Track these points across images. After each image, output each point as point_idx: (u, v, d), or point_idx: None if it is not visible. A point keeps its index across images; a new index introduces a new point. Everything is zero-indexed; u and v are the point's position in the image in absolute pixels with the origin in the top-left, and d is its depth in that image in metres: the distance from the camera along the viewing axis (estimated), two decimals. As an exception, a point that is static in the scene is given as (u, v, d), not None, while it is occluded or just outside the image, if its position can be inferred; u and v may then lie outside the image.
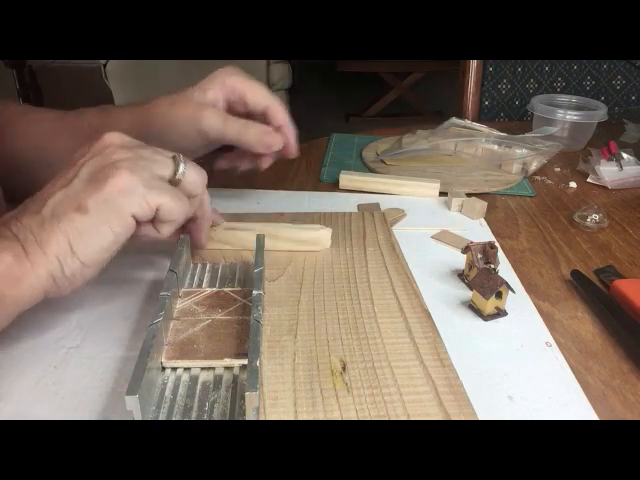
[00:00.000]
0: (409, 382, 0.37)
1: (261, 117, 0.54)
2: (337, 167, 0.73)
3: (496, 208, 0.65)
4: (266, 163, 0.57)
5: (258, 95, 0.53)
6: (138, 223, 0.39)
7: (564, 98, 0.90)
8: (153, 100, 0.53)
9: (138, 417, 0.30)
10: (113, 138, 0.39)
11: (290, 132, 0.55)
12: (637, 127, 0.88)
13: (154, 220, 0.40)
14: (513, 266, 0.52)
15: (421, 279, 0.48)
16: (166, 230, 0.41)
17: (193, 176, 0.42)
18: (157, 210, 0.39)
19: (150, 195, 0.38)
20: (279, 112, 0.54)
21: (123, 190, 0.37)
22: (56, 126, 0.56)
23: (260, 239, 0.47)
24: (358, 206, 0.63)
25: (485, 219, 0.61)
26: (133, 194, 0.37)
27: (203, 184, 0.43)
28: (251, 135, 0.52)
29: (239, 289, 0.44)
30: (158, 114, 0.52)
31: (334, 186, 0.69)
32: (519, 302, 0.46)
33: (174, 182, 0.41)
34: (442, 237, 0.56)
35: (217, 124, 0.51)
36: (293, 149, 0.56)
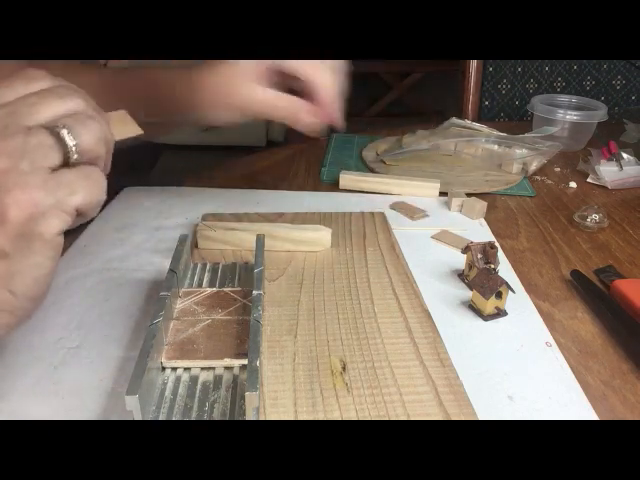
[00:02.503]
0: (409, 382, 0.37)
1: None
2: (337, 167, 0.73)
3: (496, 208, 0.65)
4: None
5: (299, 67, 0.50)
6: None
7: (564, 98, 0.90)
8: (195, 67, 0.51)
9: (138, 417, 0.30)
10: None
11: (329, 110, 0.51)
12: (637, 127, 0.88)
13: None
14: (513, 266, 0.52)
15: (421, 279, 0.48)
16: (94, 212, 0.34)
17: (87, 141, 0.32)
18: (78, 208, 0.32)
19: (63, 202, 0.31)
20: (320, 87, 0.50)
21: (31, 216, 0.30)
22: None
23: (260, 239, 0.47)
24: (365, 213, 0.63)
25: (485, 219, 0.61)
26: (46, 214, 0.30)
27: (102, 137, 0.33)
28: (281, 110, 0.49)
29: (239, 289, 0.44)
30: (202, 84, 0.50)
31: (334, 186, 0.69)
32: (519, 302, 0.46)
33: (72, 163, 0.32)
34: (442, 237, 0.56)
35: (248, 94, 0.49)
36: (338, 124, 0.52)
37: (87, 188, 0.32)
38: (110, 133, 0.36)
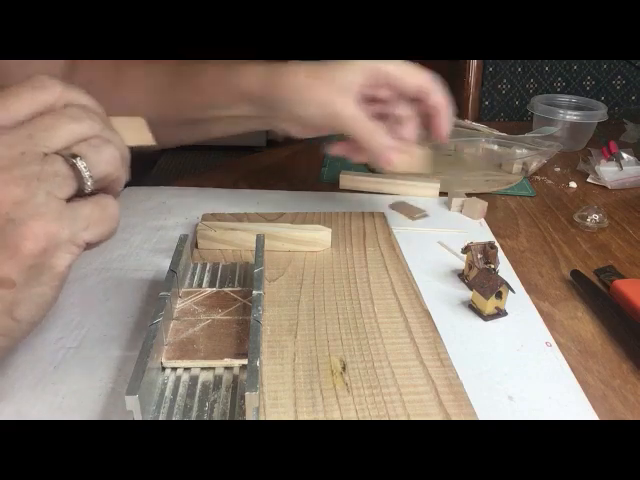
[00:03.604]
0: (409, 382, 0.37)
1: (413, 99, 0.50)
2: (337, 167, 0.73)
3: (496, 208, 0.65)
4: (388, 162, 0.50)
5: (407, 74, 0.48)
6: None
7: (564, 98, 0.90)
8: (288, 66, 0.49)
9: (138, 417, 0.30)
10: None
11: (444, 116, 0.50)
12: (637, 127, 0.88)
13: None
14: (513, 266, 0.52)
15: (421, 279, 0.48)
16: (106, 240, 0.34)
17: (102, 169, 0.32)
18: (89, 242, 0.32)
19: (76, 236, 0.31)
20: (434, 92, 0.49)
21: (44, 250, 0.29)
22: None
23: (260, 239, 0.47)
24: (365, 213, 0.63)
25: (485, 219, 0.61)
26: (59, 247, 0.30)
27: (116, 163, 0.33)
28: (375, 144, 0.48)
29: (239, 289, 0.44)
30: (292, 85, 0.48)
31: (334, 186, 0.69)
32: (519, 302, 0.46)
33: (85, 192, 0.32)
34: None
35: (348, 118, 0.47)
36: (443, 134, 0.50)
37: (101, 222, 0.32)
38: (126, 149, 0.35)
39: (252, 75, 0.49)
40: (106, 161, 0.32)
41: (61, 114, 0.31)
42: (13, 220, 0.28)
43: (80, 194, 0.31)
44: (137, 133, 0.39)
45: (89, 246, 0.33)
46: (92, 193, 0.33)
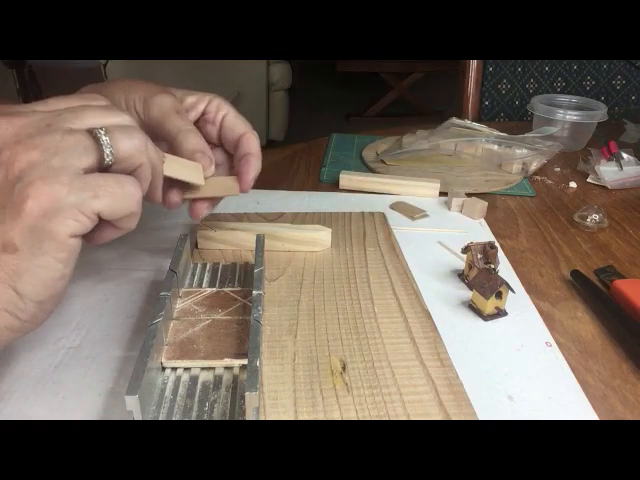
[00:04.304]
0: (409, 382, 0.37)
1: (230, 146, 0.46)
2: (337, 167, 0.73)
3: (496, 208, 0.65)
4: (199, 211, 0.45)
5: (239, 120, 0.46)
6: (87, 234, 0.32)
7: (564, 98, 0.90)
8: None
9: (138, 417, 0.30)
10: (1, 132, 0.30)
11: (254, 166, 0.45)
12: (637, 127, 0.88)
13: (104, 221, 0.33)
14: (513, 266, 0.52)
15: (421, 279, 0.48)
16: (128, 224, 0.34)
17: (126, 147, 0.32)
18: (99, 214, 0.31)
19: (83, 204, 0.30)
20: (254, 140, 0.46)
21: (47, 211, 0.29)
22: None
23: (260, 239, 0.47)
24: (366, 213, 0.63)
25: (485, 219, 0.61)
26: (61, 211, 0.29)
27: (142, 149, 0.33)
28: (190, 142, 0.42)
29: (239, 289, 0.44)
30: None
31: (334, 186, 0.69)
32: (519, 302, 0.46)
33: (104, 167, 0.32)
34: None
35: (166, 107, 0.42)
36: (247, 184, 0.44)
37: (114, 195, 0.31)
38: (157, 153, 0.35)
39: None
40: (131, 143, 0.32)
41: (96, 105, 0.33)
42: (22, 179, 0.29)
43: (102, 170, 0.32)
44: (190, 172, 0.41)
45: (112, 225, 0.33)
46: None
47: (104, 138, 0.31)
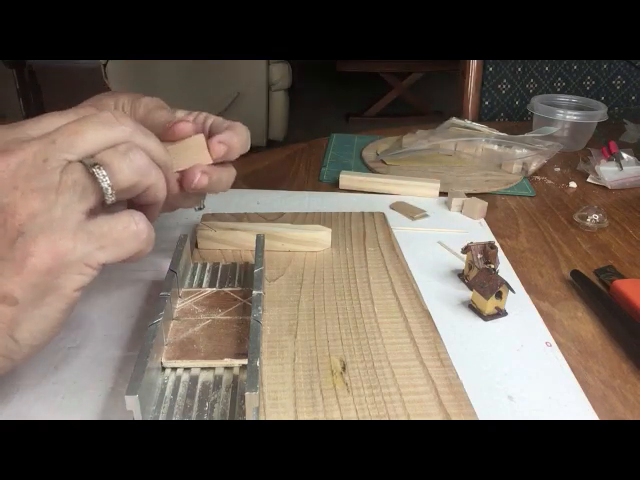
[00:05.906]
0: (409, 382, 0.37)
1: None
2: (337, 167, 0.73)
3: (496, 208, 0.65)
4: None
5: (227, 121, 0.43)
6: None
7: (564, 98, 0.90)
8: None
9: (138, 417, 0.30)
10: None
11: (238, 131, 0.42)
12: (637, 127, 0.88)
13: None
14: (513, 266, 0.52)
15: (421, 279, 0.48)
16: (134, 260, 0.32)
17: (126, 176, 0.30)
18: (105, 264, 0.30)
19: (89, 257, 0.29)
20: (242, 127, 0.43)
21: (52, 269, 0.28)
22: None
23: (260, 239, 0.47)
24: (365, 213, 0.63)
25: (485, 219, 0.61)
26: (67, 268, 0.28)
27: (146, 169, 0.31)
28: (159, 118, 0.40)
29: (239, 289, 0.44)
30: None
31: (334, 186, 0.69)
32: (519, 302, 0.46)
33: (107, 204, 0.30)
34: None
35: (151, 104, 0.42)
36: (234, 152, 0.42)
37: (120, 242, 0.30)
38: (164, 156, 0.34)
39: None
40: (131, 168, 0.30)
41: (89, 119, 0.30)
42: (24, 233, 0.27)
43: (106, 205, 0.30)
44: (196, 153, 0.39)
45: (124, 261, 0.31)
46: (133, 203, 0.31)
47: (101, 174, 0.29)
